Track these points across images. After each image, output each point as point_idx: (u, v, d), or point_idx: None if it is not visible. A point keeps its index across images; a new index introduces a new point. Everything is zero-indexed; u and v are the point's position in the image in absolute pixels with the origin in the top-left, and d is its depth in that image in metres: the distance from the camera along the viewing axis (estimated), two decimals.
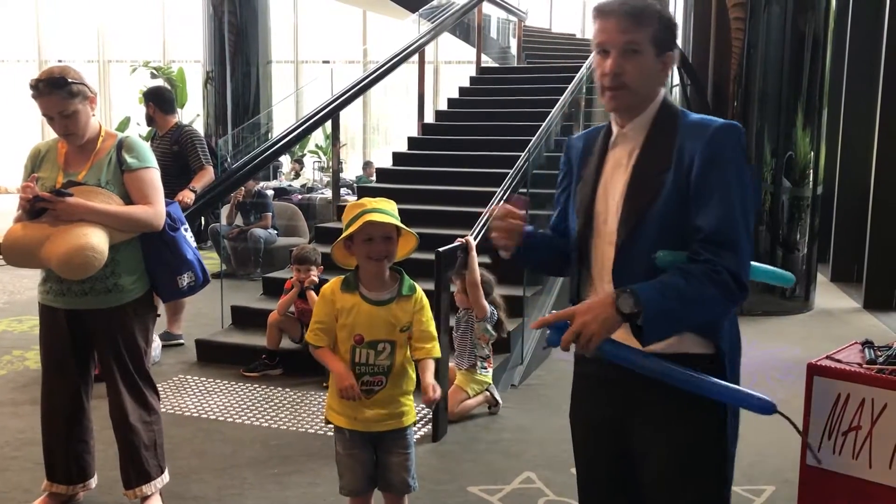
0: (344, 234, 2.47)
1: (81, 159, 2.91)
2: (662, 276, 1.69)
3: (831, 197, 8.11)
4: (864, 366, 2.34)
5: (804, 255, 7.11)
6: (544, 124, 6.13)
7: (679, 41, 1.74)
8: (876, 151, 7.04)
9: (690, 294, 1.65)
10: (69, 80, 2.82)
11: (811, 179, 7.06)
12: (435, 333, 2.60)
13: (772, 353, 5.42)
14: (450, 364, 4.27)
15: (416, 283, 2.59)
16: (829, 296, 7.58)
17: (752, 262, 1.81)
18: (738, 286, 1.67)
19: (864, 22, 7.73)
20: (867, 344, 2.52)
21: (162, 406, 4.36)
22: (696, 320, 1.72)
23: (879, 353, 2.41)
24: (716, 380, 1.70)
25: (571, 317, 1.65)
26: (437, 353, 2.59)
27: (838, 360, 2.40)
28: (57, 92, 2.80)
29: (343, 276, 2.57)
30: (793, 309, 6.92)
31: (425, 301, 2.60)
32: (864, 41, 7.69)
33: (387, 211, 2.47)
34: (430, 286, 3.98)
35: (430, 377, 2.52)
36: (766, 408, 1.68)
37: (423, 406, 4.03)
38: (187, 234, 3.08)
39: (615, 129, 1.87)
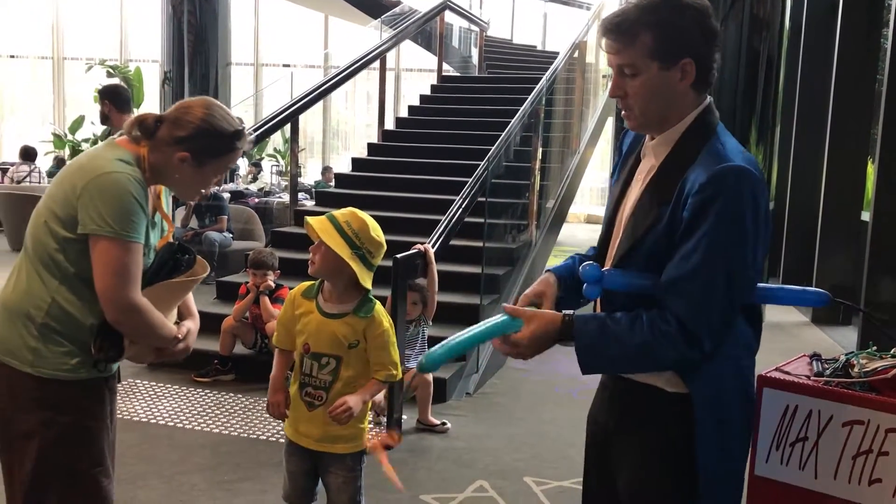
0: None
1: None
2: (618, 312, 1.63)
3: (783, 212, 8.28)
4: (812, 378, 2.38)
5: None
6: (504, 134, 6.16)
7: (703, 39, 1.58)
8: (826, 168, 7.21)
9: (630, 339, 1.58)
10: None
11: None
12: (397, 360, 2.47)
13: None
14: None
15: (381, 312, 2.46)
16: (778, 309, 7.72)
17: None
18: (686, 337, 1.56)
19: (817, 43, 7.93)
20: (815, 357, 2.56)
21: None
22: (639, 365, 1.65)
23: (826, 366, 2.45)
24: (763, 284, 1.69)
25: (520, 323, 1.63)
26: (399, 376, 2.52)
27: (787, 373, 2.44)
28: None
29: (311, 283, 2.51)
30: None
31: (387, 326, 2.45)
32: (816, 61, 7.88)
33: (327, 217, 2.39)
34: (387, 293, 3.97)
35: (360, 396, 2.39)
36: (822, 300, 1.76)
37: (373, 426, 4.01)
38: None
39: (647, 139, 1.74)
